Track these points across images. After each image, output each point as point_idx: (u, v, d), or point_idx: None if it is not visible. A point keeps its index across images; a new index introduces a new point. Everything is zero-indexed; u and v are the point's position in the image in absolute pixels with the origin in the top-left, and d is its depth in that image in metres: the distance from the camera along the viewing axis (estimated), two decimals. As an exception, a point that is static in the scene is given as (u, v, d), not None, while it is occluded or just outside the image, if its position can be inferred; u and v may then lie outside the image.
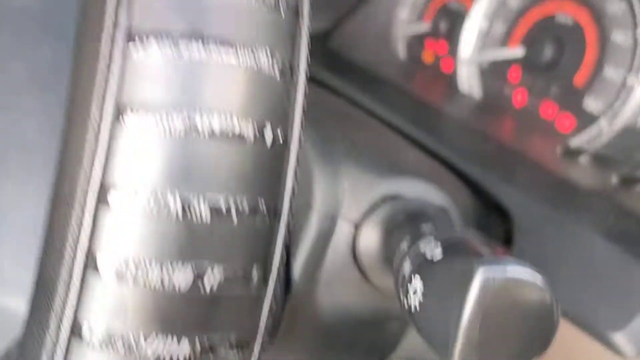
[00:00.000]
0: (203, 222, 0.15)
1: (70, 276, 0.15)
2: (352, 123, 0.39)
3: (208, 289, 0.15)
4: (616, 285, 0.34)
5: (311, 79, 0.17)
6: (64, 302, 0.15)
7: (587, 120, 0.45)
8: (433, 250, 0.23)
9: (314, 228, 0.35)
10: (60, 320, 0.15)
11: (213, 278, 0.15)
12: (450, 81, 0.55)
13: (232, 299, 0.15)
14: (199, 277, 0.15)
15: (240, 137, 0.15)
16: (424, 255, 0.23)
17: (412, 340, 0.42)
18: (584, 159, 0.42)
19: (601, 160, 0.41)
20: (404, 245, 0.27)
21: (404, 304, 0.24)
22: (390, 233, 0.32)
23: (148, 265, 0.14)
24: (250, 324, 0.16)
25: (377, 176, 0.35)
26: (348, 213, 0.35)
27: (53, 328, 0.15)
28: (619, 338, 0.33)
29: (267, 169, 0.15)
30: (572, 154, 0.41)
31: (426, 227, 0.29)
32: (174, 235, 0.14)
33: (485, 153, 0.44)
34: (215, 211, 0.15)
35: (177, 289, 0.15)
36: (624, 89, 0.42)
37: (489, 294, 0.20)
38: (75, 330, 0.15)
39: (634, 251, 0.34)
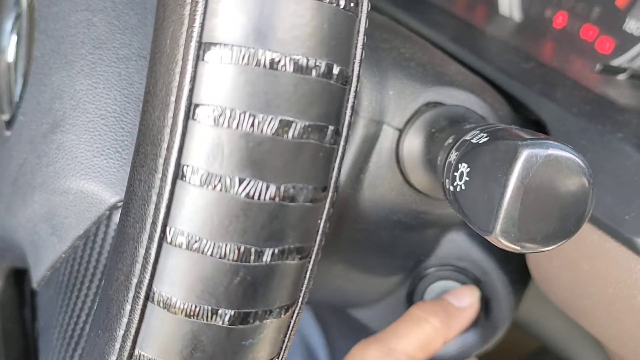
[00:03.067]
0: (287, 75, 0.17)
1: (175, 124, 0.17)
2: (398, 37, 0.41)
3: (290, 135, 0.17)
4: (646, 195, 0.36)
5: None
6: (170, 148, 0.17)
7: (627, 41, 0.46)
8: (479, 137, 0.25)
9: (360, 133, 0.37)
10: (167, 163, 0.17)
11: (295, 126, 0.17)
12: (491, 4, 0.55)
13: (311, 148, 0.18)
14: (283, 124, 0.17)
15: None
16: (469, 142, 0.25)
17: (446, 247, 0.45)
18: (621, 77, 0.43)
19: (638, 78, 0.42)
20: (450, 140, 0.29)
21: (448, 190, 0.27)
22: (432, 136, 0.34)
23: (241, 113, 0.17)
24: (324, 177, 0.19)
25: (422, 85, 0.37)
26: (393, 119, 0.37)
27: (161, 170, 0.18)
28: (646, 243, 0.35)
29: (340, 35, 0.18)
30: (610, 71, 0.42)
31: (469, 126, 0.31)
32: (262, 86, 0.17)
33: (525, 71, 0.45)
34: (297, 66, 0.17)
35: (265, 132, 0.17)
36: (667, 9, 0.43)
37: (531, 171, 0.22)
38: (179, 172, 0.17)
39: (666, 163, 0.36)
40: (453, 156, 0.27)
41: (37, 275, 0.35)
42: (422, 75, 0.37)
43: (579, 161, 0.22)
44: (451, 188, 0.26)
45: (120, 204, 0.31)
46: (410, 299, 0.46)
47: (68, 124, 0.32)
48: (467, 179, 0.24)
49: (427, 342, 0.39)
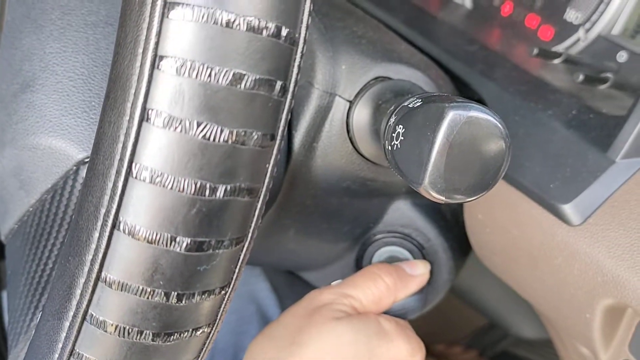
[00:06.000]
0: (241, 33, 0.20)
1: (142, 72, 0.20)
2: (352, 17, 0.44)
3: (243, 86, 0.20)
4: (570, 166, 0.39)
5: None
6: (137, 93, 0.20)
7: (566, 29, 0.49)
8: (414, 102, 0.28)
9: (313, 104, 0.40)
10: (134, 107, 0.20)
11: (246, 78, 0.20)
12: (444, -9, 0.59)
13: (260, 99, 0.21)
14: (236, 76, 0.20)
15: None
16: (407, 107, 0.29)
17: (392, 215, 0.48)
18: (557, 61, 0.46)
19: (572, 62, 0.46)
20: (392, 108, 0.32)
21: (387, 151, 0.30)
22: (379, 107, 0.37)
23: (200, 64, 0.20)
24: (272, 125, 0.22)
25: (371, 60, 0.40)
26: (344, 91, 0.40)
27: (128, 113, 0.20)
28: (567, 209, 0.39)
29: (289, 1, 0.20)
30: (546, 55, 0.46)
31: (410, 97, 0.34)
32: (219, 42, 0.19)
33: (469, 53, 0.48)
34: (250, 26, 0.20)
35: (220, 83, 0.20)
36: (603, 0, 0.46)
37: (455, 129, 0.25)
38: (145, 115, 0.20)
39: (589, 138, 0.40)
40: (392, 120, 0.30)
41: (5, 228, 0.37)
42: (372, 52, 0.40)
43: (497, 122, 0.26)
44: (389, 148, 0.29)
45: (87, 160, 0.33)
46: (359, 264, 0.49)
47: (37, 84, 0.34)
48: (402, 138, 0.28)
49: (379, 297, 0.42)
